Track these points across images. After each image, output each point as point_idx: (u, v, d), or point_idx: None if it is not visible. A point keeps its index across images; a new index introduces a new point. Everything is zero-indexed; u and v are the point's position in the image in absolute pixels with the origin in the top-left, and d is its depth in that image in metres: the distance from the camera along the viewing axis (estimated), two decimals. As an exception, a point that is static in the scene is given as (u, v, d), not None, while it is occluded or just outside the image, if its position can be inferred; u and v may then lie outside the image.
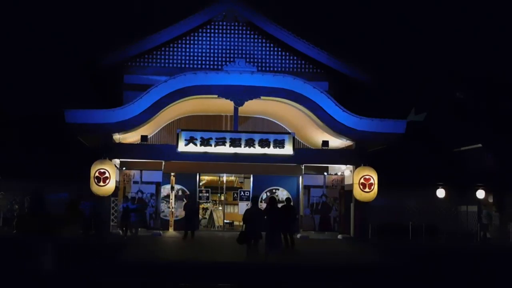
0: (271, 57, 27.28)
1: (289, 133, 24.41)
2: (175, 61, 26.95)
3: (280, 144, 23.47)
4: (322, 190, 24.92)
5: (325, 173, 25.93)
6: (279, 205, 20.26)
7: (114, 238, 22.37)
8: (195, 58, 27.02)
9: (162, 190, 25.56)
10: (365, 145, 23.86)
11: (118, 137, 23.64)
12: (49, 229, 21.81)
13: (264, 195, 26.49)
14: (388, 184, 23.61)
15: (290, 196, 26.00)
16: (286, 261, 17.24)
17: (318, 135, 24.66)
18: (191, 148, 23.25)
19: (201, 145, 23.25)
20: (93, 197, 22.94)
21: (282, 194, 26.85)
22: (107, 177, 22.31)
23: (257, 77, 23.14)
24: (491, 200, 26.85)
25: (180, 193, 26.57)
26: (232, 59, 26.24)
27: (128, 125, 22.72)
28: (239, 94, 23.10)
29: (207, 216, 29.00)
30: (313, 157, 24.72)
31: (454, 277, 16.72)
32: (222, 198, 28.61)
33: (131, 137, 24.07)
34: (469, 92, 32.45)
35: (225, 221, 28.36)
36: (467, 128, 29.64)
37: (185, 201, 25.59)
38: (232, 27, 27.18)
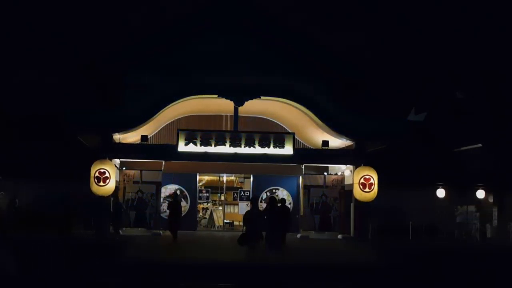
0: (271, 57, 27.20)
1: (289, 133, 24.42)
2: (175, 61, 26.88)
3: (280, 144, 23.45)
4: (322, 190, 24.94)
5: (325, 173, 25.95)
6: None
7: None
8: (195, 58, 26.94)
9: (164, 190, 25.60)
10: (365, 145, 23.85)
11: (118, 137, 23.64)
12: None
13: (264, 195, 26.50)
14: (388, 184, 23.62)
15: (288, 196, 26.18)
16: (286, 261, 17.24)
17: (318, 135, 24.66)
18: (191, 148, 23.24)
19: (201, 145, 23.24)
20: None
21: (282, 194, 26.85)
22: (107, 177, 22.31)
23: (257, 77, 23.12)
24: (491, 200, 26.88)
25: (178, 193, 26.57)
26: (232, 59, 26.19)
27: (128, 125, 22.71)
28: (239, 94, 23.09)
29: (207, 216, 29.03)
30: (313, 157, 24.72)
31: (454, 277, 16.72)
32: (222, 198, 28.62)
33: (131, 137, 24.06)
34: (469, 92, 32.44)
35: (225, 221, 28.37)
36: (467, 128, 29.65)
37: (183, 200, 25.64)
38: (232, 27, 27.10)
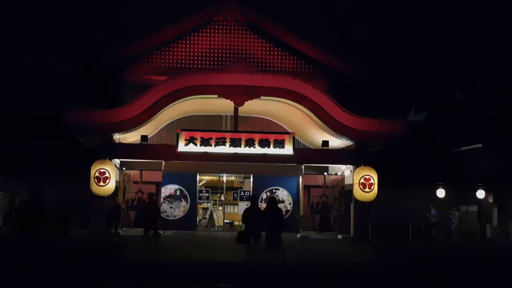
0: (271, 57, 27.25)
1: (289, 133, 24.42)
2: (175, 61, 26.93)
3: (280, 144, 23.46)
4: (322, 190, 24.95)
5: (325, 173, 25.96)
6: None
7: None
8: (195, 58, 26.99)
9: (164, 190, 25.60)
10: (365, 145, 23.86)
11: (118, 137, 23.64)
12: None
13: (264, 195, 26.50)
14: (388, 184, 23.62)
15: (288, 196, 26.36)
16: (286, 261, 17.23)
17: (318, 135, 24.66)
18: (191, 148, 23.25)
19: (201, 145, 23.24)
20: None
21: (282, 194, 26.87)
22: (107, 177, 22.31)
23: (257, 77, 23.13)
24: (491, 200, 26.89)
25: (178, 193, 26.55)
26: (232, 59, 26.24)
27: (128, 125, 22.71)
28: (239, 94, 23.09)
29: (207, 216, 29.04)
30: (313, 157, 24.73)
31: (454, 276, 16.72)
32: (222, 198, 28.63)
33: (131, 137, 24.07)
34: (469, 91, 32.44)
35: (225, 221, 28.37)
36: (467, 128, 29.65)
37: (182, 200, 25.64)
38: (232, 27, 27.15)
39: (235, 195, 28.27)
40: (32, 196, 23.56)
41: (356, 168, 23.55)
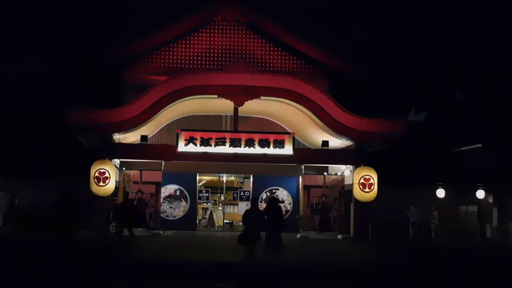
0: (271, 57, 27.24)
1: (289, 133, 24.43)
2: (175, 61, 26.93)
3: (280, 144, 23.46)
4: (322, 190, 24.96)
5: (325, 173, 25.97)
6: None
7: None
8: (195, 58, 26.98)
9: (163, 190, 25.59)
10: (365, 145, 23.87)
11: (118, 137, 23.64)
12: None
13: (264, 195, 26.50)
14: (388, 184, 23.62)
15: (288, 196, 26.37)
16: (286, 261, 17.24)
17: (318, 135, 24.67)
18: (191, 148, 23.26)
19: (201, 145, 23.25)
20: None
21: (282, 194, 26.88)
22: (107, 177, 22.31)
23: (257, 77, 23.14)
24: (491, 200, 26.89)
25: (178, 193, 26.55)
26: (232, 59, 26.24)
27: (128, 125, 22.71)
28: (239, 94, 23.10)
29: (207, 216, 29.04)
30: (313, 157, 24.74)
31: (454, 276, 16.73)
32: (222, 198, 28.63)
33: (131, 137, 24.07)
34: (469, 91, 32.43)
35: (225, 221, 28.38)
36: (467, 128, 29.65)
37: (182, 200, 25.71)
38: (232, 27, 27.14)
39: (235, 195, 28.27)
40: (64, 197, 23.65)
41: (356, 168, 23.55)
